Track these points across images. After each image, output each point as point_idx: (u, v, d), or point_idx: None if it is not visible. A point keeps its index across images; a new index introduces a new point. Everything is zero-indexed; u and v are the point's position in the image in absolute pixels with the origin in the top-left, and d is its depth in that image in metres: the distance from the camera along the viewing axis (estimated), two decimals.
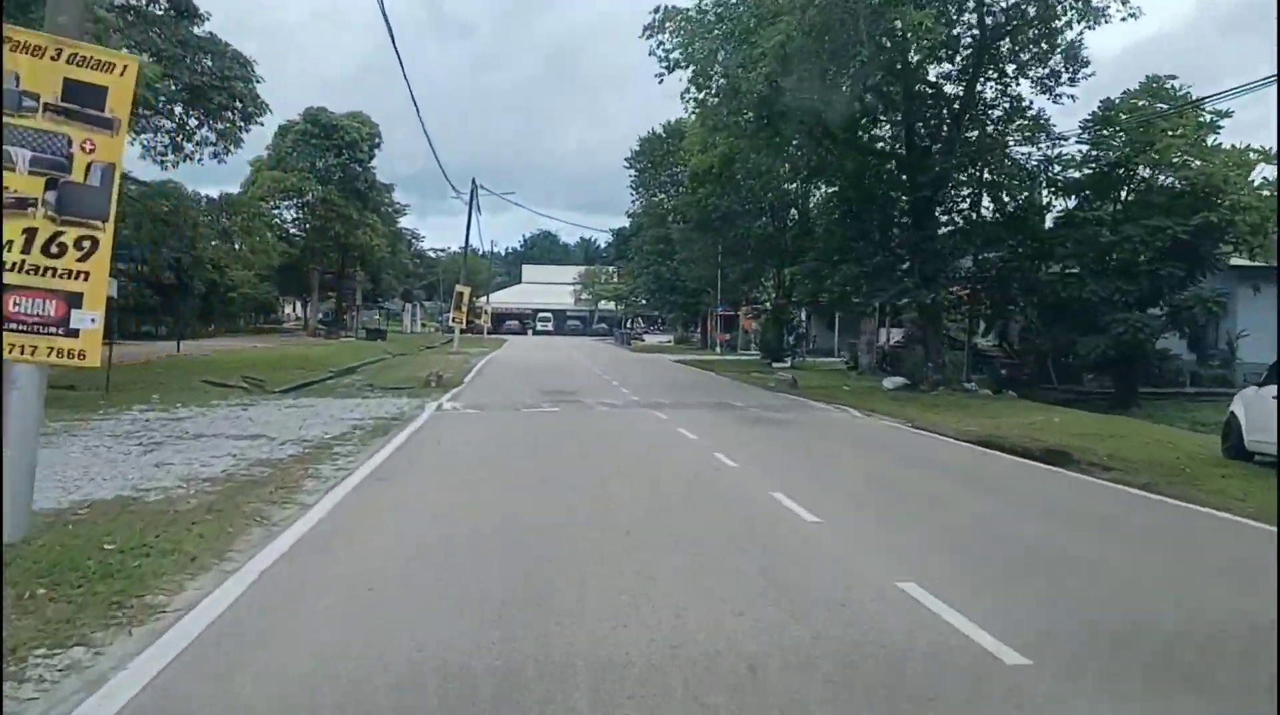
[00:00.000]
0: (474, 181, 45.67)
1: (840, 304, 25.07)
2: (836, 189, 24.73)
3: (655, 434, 13.80)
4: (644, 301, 71.68)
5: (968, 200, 23.71)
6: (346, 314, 67.68)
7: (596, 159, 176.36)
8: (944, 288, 21.57)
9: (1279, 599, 4.98)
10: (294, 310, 75.00)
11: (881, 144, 24.04)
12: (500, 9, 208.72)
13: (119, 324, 26.75)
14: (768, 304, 41.89)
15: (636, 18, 64.68)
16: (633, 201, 57.50)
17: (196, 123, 27.05)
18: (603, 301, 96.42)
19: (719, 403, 19.11)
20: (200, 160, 27.49)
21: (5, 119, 5.74)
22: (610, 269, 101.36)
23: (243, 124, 27.31)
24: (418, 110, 37.55)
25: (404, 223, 79.89)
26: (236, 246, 34.16)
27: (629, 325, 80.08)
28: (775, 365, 37.29)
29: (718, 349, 52.55)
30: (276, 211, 56.93)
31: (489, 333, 71.12)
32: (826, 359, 42.03)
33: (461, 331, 52.53)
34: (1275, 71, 14.51)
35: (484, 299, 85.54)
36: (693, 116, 27.86)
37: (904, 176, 22.70)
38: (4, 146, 5.78)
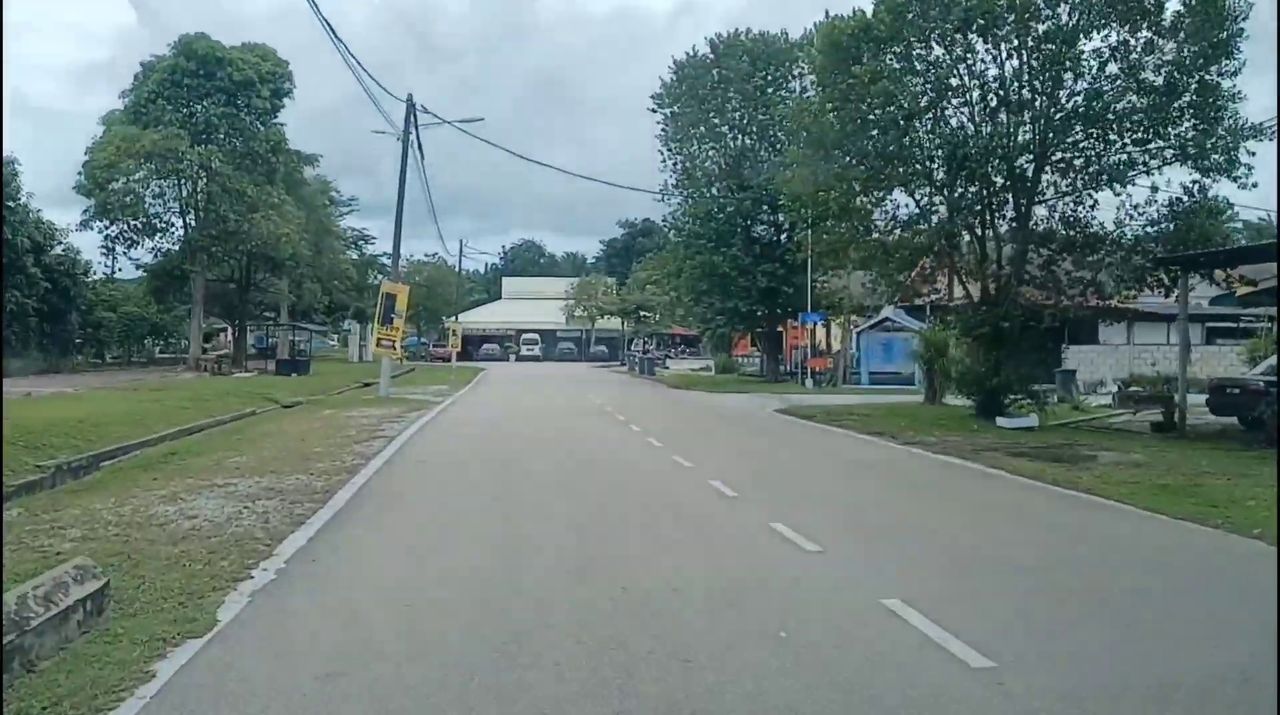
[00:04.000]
0: (409, 98, 26.79)
1: None
2: None
3: None
4: (666, 312, 52.66)
5: None
6: (275, 338, 49.37)
7: (581, 181, 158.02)
8: None
9: (1279, 602, 4.87)
10: (227, 336, 54.74)
11: None
12: (487, 37, 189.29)
13: None
14: (955, 300, 23.23)
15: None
16: (663, 163, 38.72)
17: None
18: (601, 319, 77.78)
19: None
20: None
21: None
22: (609, 280, 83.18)
23: None
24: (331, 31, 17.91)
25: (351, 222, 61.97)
26: None
27: (643, 347, 61.01)
28: (1003, 422, 18.57)
29: (808, 382, 33.57)
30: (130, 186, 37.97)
31: (455, 360, 51.77)
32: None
33: (400, 359, 33.65)
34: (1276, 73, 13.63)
35: (453, 319, 66.90)
36: None
37: None
38: None
